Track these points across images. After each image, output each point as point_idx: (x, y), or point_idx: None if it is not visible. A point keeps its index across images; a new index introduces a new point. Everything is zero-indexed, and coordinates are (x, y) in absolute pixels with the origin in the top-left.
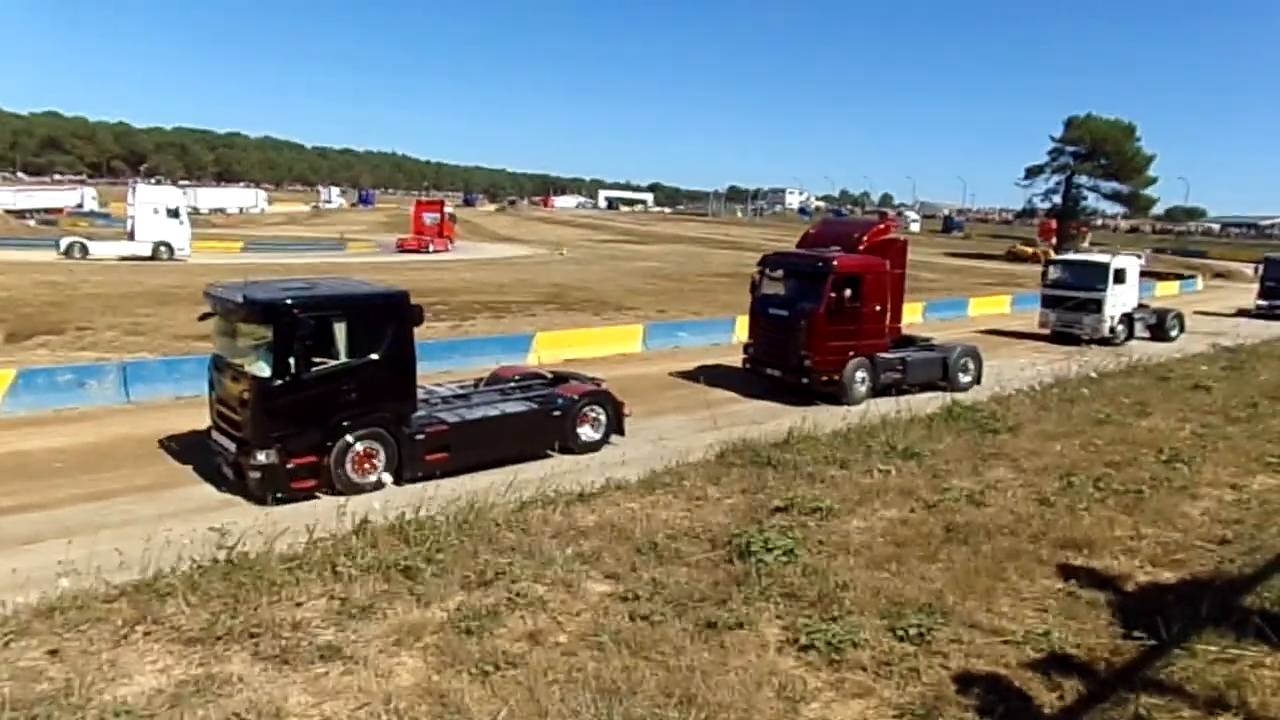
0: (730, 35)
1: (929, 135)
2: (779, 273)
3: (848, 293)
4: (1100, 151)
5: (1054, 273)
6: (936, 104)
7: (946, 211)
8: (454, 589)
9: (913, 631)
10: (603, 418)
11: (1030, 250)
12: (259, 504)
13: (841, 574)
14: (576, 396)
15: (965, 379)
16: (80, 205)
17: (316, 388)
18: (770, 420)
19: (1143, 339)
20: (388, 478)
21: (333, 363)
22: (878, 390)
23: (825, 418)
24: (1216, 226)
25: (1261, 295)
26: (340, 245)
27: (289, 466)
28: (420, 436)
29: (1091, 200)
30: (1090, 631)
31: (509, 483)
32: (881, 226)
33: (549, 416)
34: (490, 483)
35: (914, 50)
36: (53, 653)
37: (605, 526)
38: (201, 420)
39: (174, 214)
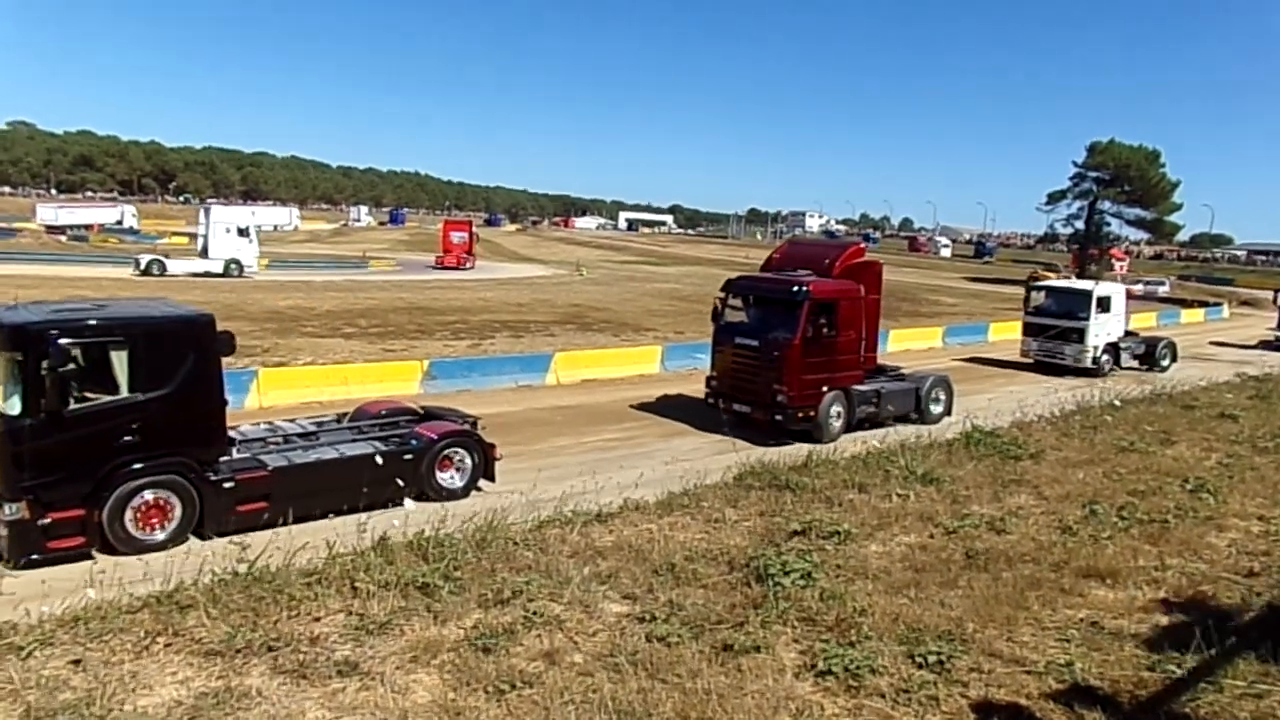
0: (752, 58)
1: (950, 159)
2: (746, 299)
3: (823, 321)
4: (1124, 177)
5: (1036, 299)
6: (958, 128)
7: (968, 236)
8: (471, 607)
9: (932, 659)
10: (468, 462)
11: (1053, 275)
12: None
13: (860, 599)
14: (436, 437)
15: (937, 409)
16: (120, 221)
17: (83, 428)
18: (791, 442)
19: (1131, 369)
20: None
21: (108, 398)
22: (852, 425)
23: (842, 442)
24: (1243, 254)
25: None
26: (363, 263)
27: (45, 522)
28: (230, 484)
29: (1115, 226)
30: (1114, 663)
31: (526, 502)
32: (855, 248)
33: (400, 460)
34: (509, 502)
35: (936, 74)
36: (75, 662)
37: (623, 547)
38: None
39: (244, 233)
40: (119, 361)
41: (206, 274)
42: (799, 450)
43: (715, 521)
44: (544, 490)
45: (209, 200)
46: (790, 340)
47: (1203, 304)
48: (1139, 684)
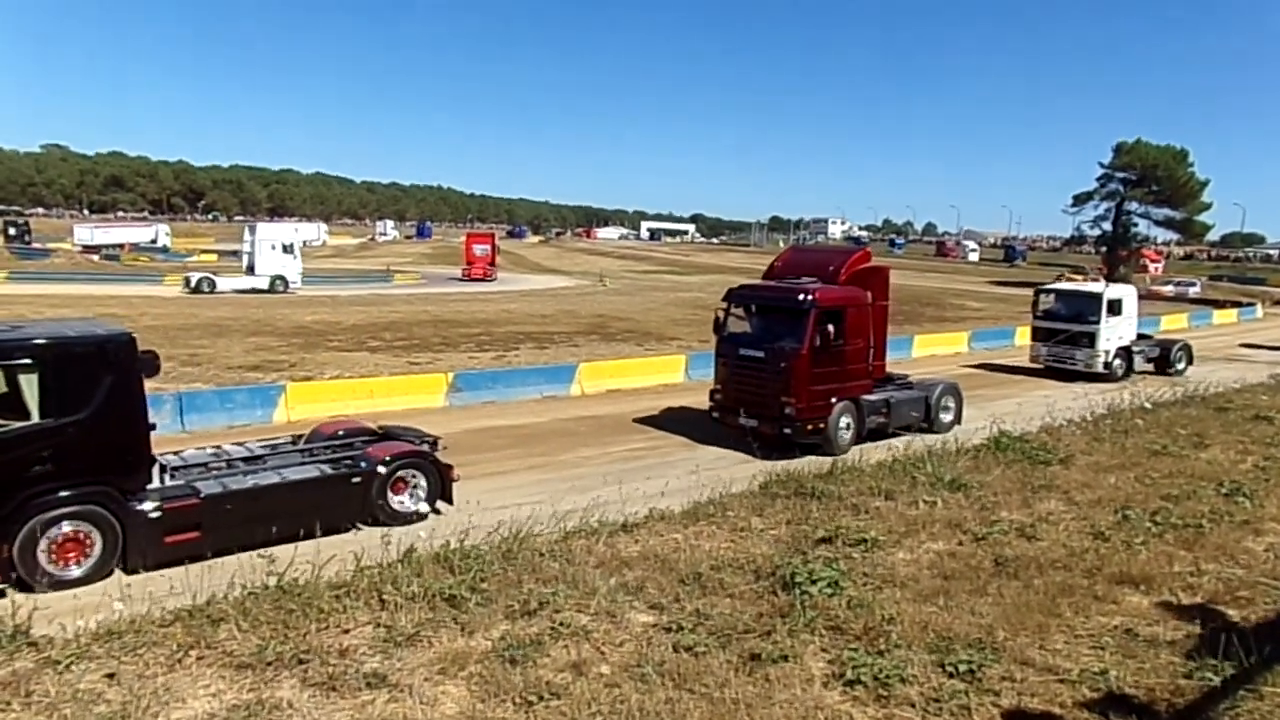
0: (772, 66)
1: (973, 163)
2: (749, 309)
3: (831, 329)
4: (1151, 177)
5: (1045, 303)
6: (981, 131)
7: (992, 240)
8: (498, 618)
9: (963, 668)
10: (423, 483)
11: (1081, 277)
12: None
13: (888, 607)
14: (389, 458)
15: (946, 418)
16: (155, 240)
17: None
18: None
19: (1146, 373)
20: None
21: (18, 424)
22: (862, 436)
23: (867, 449)
24: (1276, 252)
25: None
26: (387, 277)
27: None
28: (157, 514)
29: (1143, 227)
30: (1150, 671)
31: (551, 513)
32: (861, 253)
33: (347, 483)
34: (533, 512)
35: (958, 78)
36: (110, 676)
37: (649, 557)
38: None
39: (288, 250)
40: (29, 385)
41: (254, 290)
42: (824, 458)
43: (741, 530)
44: (570, 501)
45: (237, 217)
46: (797, 350)
47: (1235, 304)
48: (1176, 692)
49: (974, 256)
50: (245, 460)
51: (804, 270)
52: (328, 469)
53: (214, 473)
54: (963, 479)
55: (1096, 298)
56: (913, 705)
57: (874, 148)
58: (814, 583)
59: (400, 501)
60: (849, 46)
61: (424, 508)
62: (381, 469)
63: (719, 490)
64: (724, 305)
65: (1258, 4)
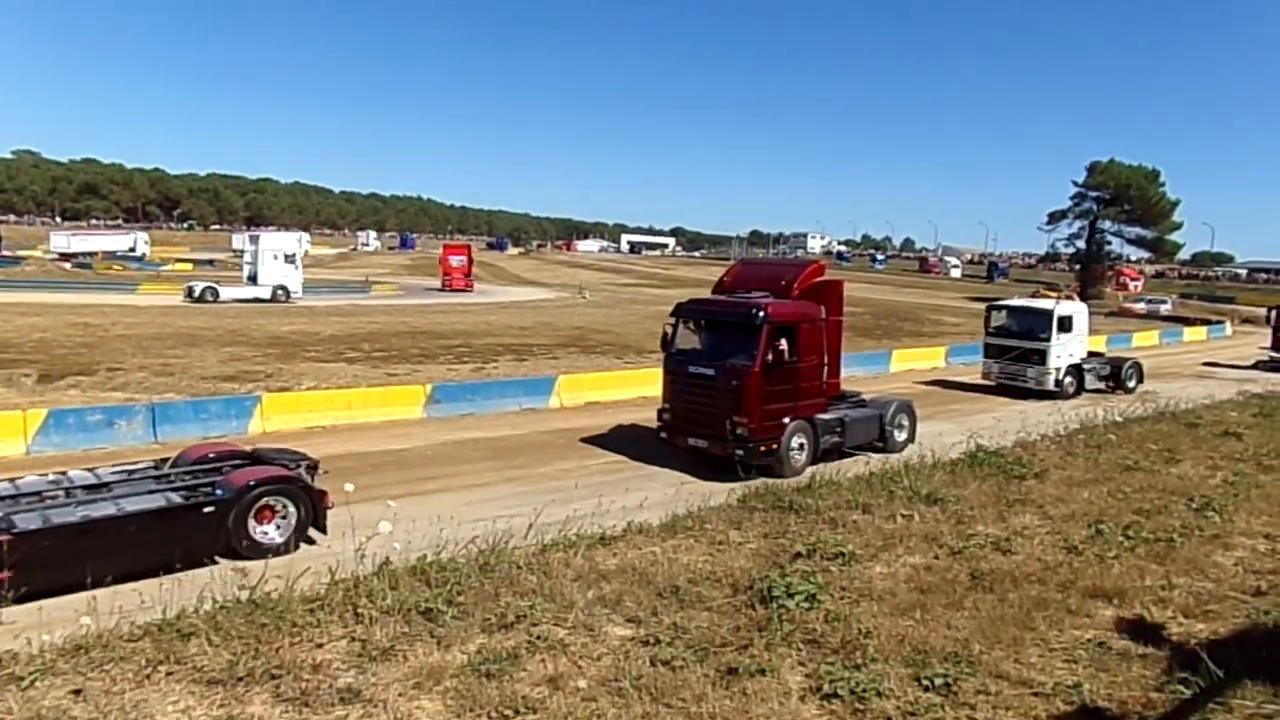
0: (753, 82)
1: (951, 180)
2: (698, 324)
3: (784, 346)
4: (1124, 196)
5: (996, 319)
6: (959, 149)
7: (969, 256)
8: (474, 631)
9: (938, 681)
10: (291, 511)
11: (1055, 294)
12: None
13: (865, 621)
14: (253, 482)
15: (901, 436)
16: (132, 248)
17: None
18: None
19: (1096, 391)
20: None
21: None
22: (817, 457)
23: (848, 462)
24: (1244, 272)
25: (1275, 345)
26: (365, 288)
27: None
28: None
29: (1115, 245)
30: (1122, 684)
31: (529, 525)
32: (815, 266)
33: (198, 514)
34: (511, 525)
35: (936, 96)
36: (76, 692)
37: (627, 570)
38: None
39: (290, 259)
40: None
41: (256, 300)
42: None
43: (719, 544)
44: (548, 514)
45: (214, 226)
46: (749, 367)
47: (1205, 322)
48: (1147, 705)
49: (956, 273)
50: (87, 489)
51: (755, 284)
52: (176, 498)
53: (50, 502)
54: (939, 493)
55: (1047, 315)
56: (889, 719)
57: (853, 163)
58: (791, 596)
59: (264, 532)
60: (829, 64)
61: (289, 539)
62: (240, 496)
63: (697, 503)
64: (672, 320)
65: (1228, 27)
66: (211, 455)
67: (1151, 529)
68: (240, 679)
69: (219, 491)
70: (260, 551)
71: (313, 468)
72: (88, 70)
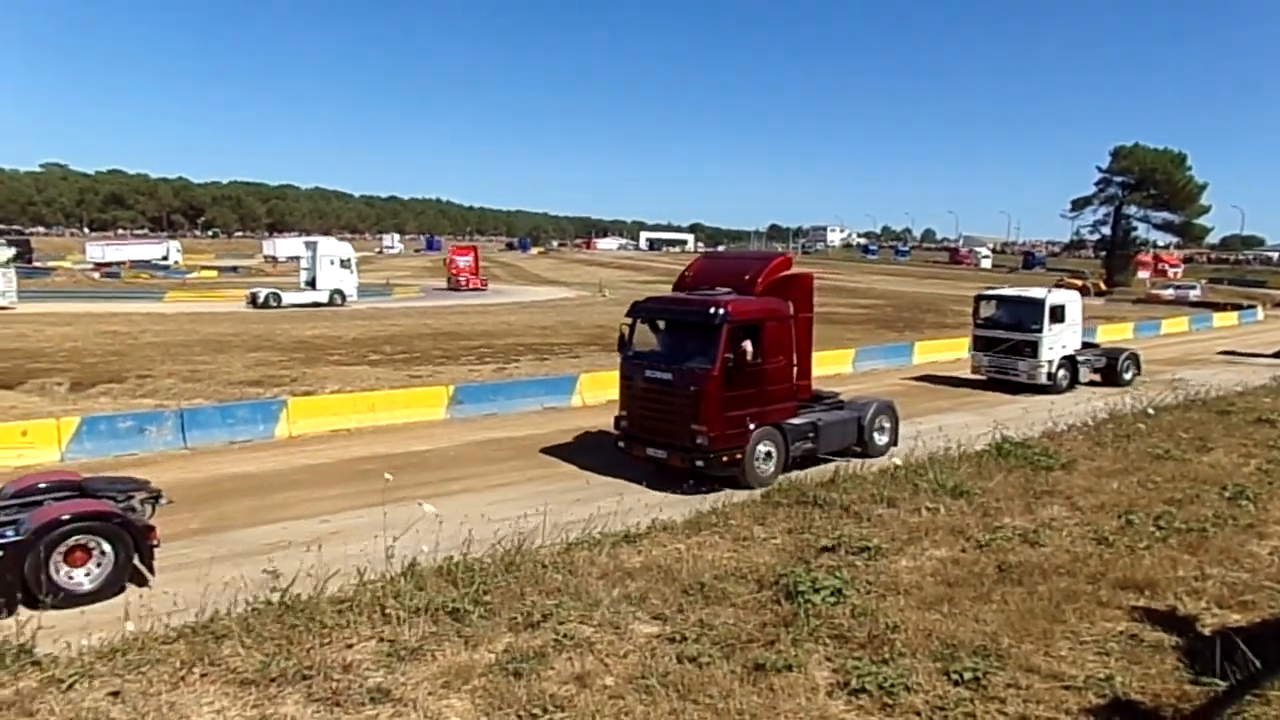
0: (770, 75)
1: (971, 169)
2: (655, 324)
3: (747, 347)
4: (1149, 181)
5: (985, 310)
6: (978, 138)
7: (992, 245)
8: (501, 631)
9: (967, 675)
10: (109, 552)
11: (1079, 282)
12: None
13: (891, 615)
14: (63, 517)
15: (882, 440)
16: (165, 256)
17: None
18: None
19: (1091, 383)
20: None
21: None
22: (787, 465)
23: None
24: (1275, 255)
25: None
26: (386, 290)
27: None
28: None
29: (1142, 231)
30: (1155, 676)
31: (554, 524)
32: (781, 259)
33: None
34: (535, 524)
35: (955, 85)
36: (114, 694)
37: (651, 567)
38: (239, 464)
39: (346, 265)
40: None
41: (314, 304)
42: (825, 466)
43: (743, 539)
44: (572, 512)
45: (237, 233)
46: (708, 371)
47: (1236, 307)
48: (1182, 697)
49: (987, 263)
50: None
51: (717, 280)
52: None
53: None
54: (965, 485)
55: (1038, 304)
56: (918, 714)
57: (872, 155)
58: (817, 591)
59: (70, 575)
60: (846, 55)
61: (105, 584)
62: (40, 537)
63: (720, 500)
64: (629, 320)
65: (1256, 7)
66: (42, 485)
67: (1183, 519)
68: (273, 680)
69: (11, 533)
70: (64, 598)
71: (154, 499)
72: (114, 83)
